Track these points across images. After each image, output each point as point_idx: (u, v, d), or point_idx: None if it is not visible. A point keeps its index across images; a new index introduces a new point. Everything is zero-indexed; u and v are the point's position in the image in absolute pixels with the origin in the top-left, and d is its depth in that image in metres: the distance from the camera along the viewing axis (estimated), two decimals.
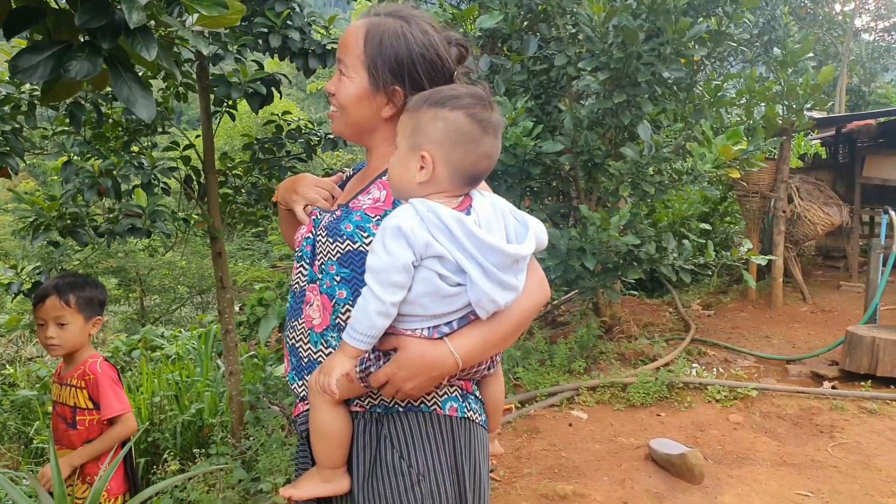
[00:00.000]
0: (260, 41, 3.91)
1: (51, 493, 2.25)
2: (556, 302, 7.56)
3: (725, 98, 5.62)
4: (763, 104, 6.64)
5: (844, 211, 8.03)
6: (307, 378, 1.47)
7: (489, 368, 1.50)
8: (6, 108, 3.49)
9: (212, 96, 4.28)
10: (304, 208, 1.59)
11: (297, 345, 1.51)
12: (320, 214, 1.53)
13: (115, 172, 3.83)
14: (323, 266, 1.46)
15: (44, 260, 4.39)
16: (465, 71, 1.58)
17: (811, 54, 6.73)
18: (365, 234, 1.41)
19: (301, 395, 1.51)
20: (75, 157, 4.01)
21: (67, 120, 3.80)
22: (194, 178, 4.59)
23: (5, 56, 3.45)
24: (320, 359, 1.45)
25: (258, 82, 4.01)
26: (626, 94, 4.72)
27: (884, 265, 5.99)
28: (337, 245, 1.43)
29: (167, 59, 1.53)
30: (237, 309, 5.33)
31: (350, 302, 1.42)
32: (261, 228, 6.72)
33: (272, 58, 4.21)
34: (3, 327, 7.79)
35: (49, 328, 2.52)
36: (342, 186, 1.68)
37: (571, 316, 7.17)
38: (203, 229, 4.65)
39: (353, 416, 1.43)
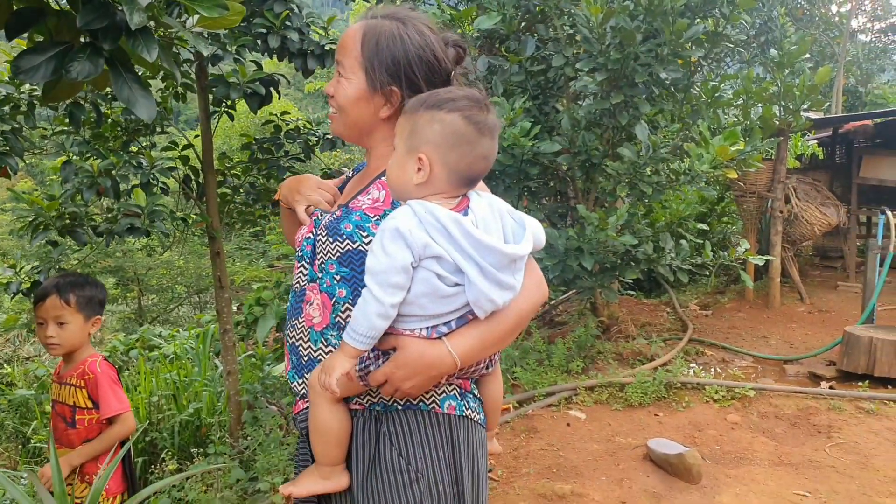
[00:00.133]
0: (259, 42, 3.92)
1: (51, 493, 2.26)
2: (553, 302, 7.57)
3: (722, 99, 5.64)
4: (760, 105, 6.67)
5: (841, 211, 8.04)
6: (307, 376, 1.48)
7: (488, 367, 1.52)
8: (6, 108, 3.49)
9: (210, 96, 4.29)
10: (305, 209, 1.60)
11: (297, 343, 1.52)
12: (321, 215, 1.55)
13: (113, 172, 3.84)
14: (323, 265, 1.47)
15: (42, 259, 4.39)
16: (463, 72, 1.59)
17: (808, 55, 6.74)
18: (364, 234, 1.42)
19: (301, 393, 1.52)
20: (74, 157, 4.02)
21: (67, 120, 3.80)
22: (193, 177, 4.59)
23: (5, 56, 3.46)
24: (320, 357, 1.46)
25: (257, 82, 4.02)
26: (623, 95, 4.73)
27: (881, 265, 6.01)
28: (337, 244, 1.45)
29: (168, 60, 1.54)
30: (235, 308, 5.33)
31: (350, 301, 1.43)
32: (259, 228, 6.72)
33: (271, 58, 4.22)
34: (1, 326, 7.79)
35: (49, 327, 2.52)
36: (342, 187, 1.69)
37: (569, 316, 7.18)
38: (201, 229, 4.66)
39: (352, 414, 1.44)
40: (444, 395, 1.45)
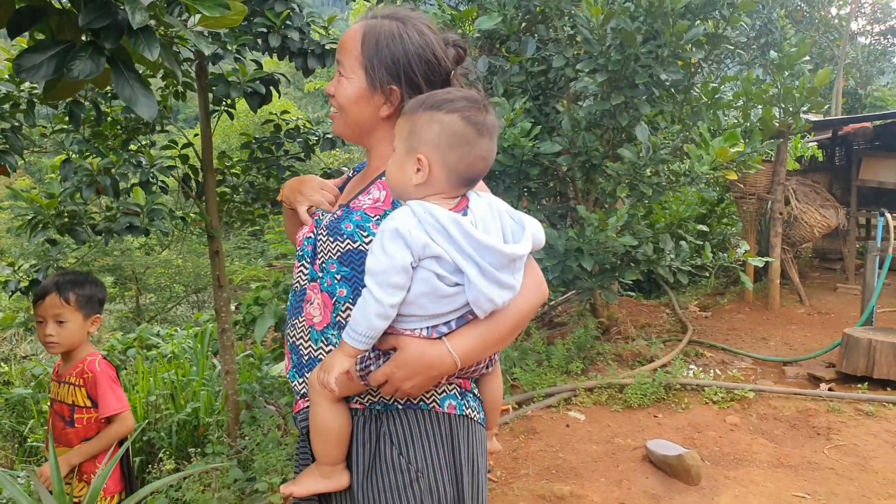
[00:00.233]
0: (259, 41, 3.92)
1: (50, 492, 2.26)
2: (553, 303, 7.57)
3: (722, 100, 5.64)
4: (760, 107, 6.66)
5: (841, 213, 8.05)
6: (307, 375, 1.48)
7: (488, 367, 1.52)
8: (6, 106, 3.49)
9: (211, 95, 4.29)
10: (307, 209, 1.61)
11: (297, 342, 1.52)
12: (322, 214, 1.55)
13: (113, 170, 3.84)
14: (324, 265, 1.47)
15: (40, 258, 4.39)
16: (463, 72, 1.60)
17: (807, 57, 6.74)
18: (365, 234, 1.43)
19: (301, 391, 1.53)
20: (74, 155, 4.02)
21: (66, 118, 3.80)
22: (192, 176, 4.59)
23: (5, 55, 3.45)
24: (320, 356, 1.47)
25: (257, 82, 4.02)
26: (623, 96, 4.74)
27: (880, 267, 6.02)
28: (337, 244, 1.45)
29: (169, 59, 1.54)
30: (233, 308, 5.33)
31: (350, 300, 1.43)
32: (257, 227, 6.72)
33: (271, 57, 4.22)
34: None
35: (48, 326, 2.52)
36: (342, 186, 1.70)
37: (569, 317, 7.18)
38: (200, 228, 4.66)
39: (352, 413, 1.45)
40: (445, 394, 1.45)
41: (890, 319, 6.82)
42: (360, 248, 1.42)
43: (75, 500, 2.48)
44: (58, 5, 1.50)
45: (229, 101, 4.41)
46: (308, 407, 1.48)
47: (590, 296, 6.17)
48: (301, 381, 1.51)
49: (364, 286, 1.31)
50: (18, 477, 3.75)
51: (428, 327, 1.35)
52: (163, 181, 4.31)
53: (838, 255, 9.28)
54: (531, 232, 1.39)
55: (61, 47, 1.43)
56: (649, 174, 4.92)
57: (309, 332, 1.49)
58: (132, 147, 4.28)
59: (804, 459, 3.87)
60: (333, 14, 4.37)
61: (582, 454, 3.97)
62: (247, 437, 4.26)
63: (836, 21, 16.40)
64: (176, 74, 1.66)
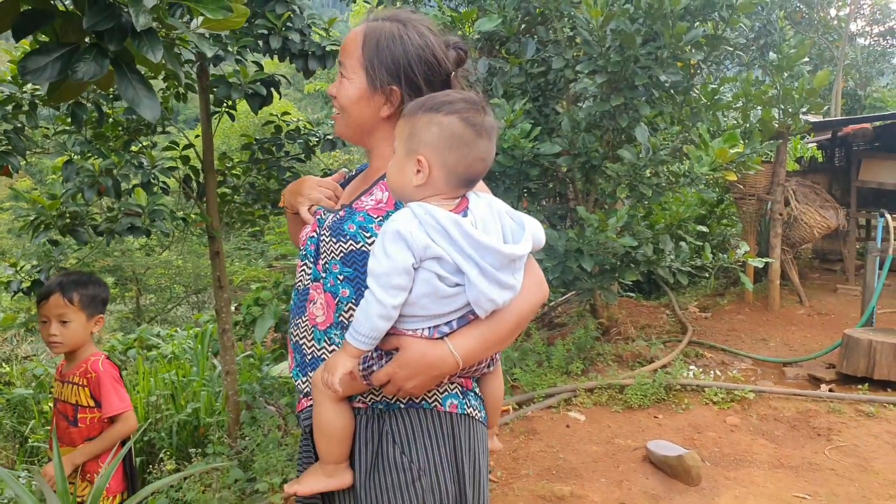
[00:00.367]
0: (260, 42, 3.93)
1: (53, 491, 2.27)
2: (553, 303, 7.58)
3: (722, 101, 5.65)
4: (759, 108, 6.68)
5: (841, 214, 8.05)
6: (311, 374, 1.49)
7: (489, 366, 1.53)
8: (8, 108, 3.50)
9: (212, 97, 4.30)
10: (308, 208, 1.62)
11: (300, 342, 1.53)
12: (324, 214, 1.56)
13: (115, 171, 3.85)
14: (326, 265, 1.49)
15: (42, 258, 4.40)
16: (463, 74, 1.61)
17: (807, 58, 6.75)
18: (367, 235, 1.44)
19: (305, 390, 1.54)
20: (76, 157, 4.03)
21: (69, 119, 3.81)
22: (193, 177, 4.60)
23: (7, 56, 3.47)
24: (324, 356, 1.48)
25: (258, 83, 4.03)
26: (623, 97, 4.75)
27: (880, 268, 6.02)
28: (340, 245, 1.46)
29: (172, 61, 1.55)
30: (234, 308, 5.34)
31: (353, 300, 1.45)
32: (258, 228, 6.73)
33: (272, 59, 4.23)
34: None
35: (52, 325, 2.53)
36: (344, 186, 1.71)
37: (569, 317, 7.19)
38: (201, 228, 4.67)
39: (355, 413, 1.46)
40: (446, 393, 1.46)
41: (890, 320, 6.83)
42: (363, 248, 1.43)
43: (78, 499, 2.49)
44: (62, 8, 1.51)
45: (230, 103, 4.42)
46: (311, 406, 1.49)
47: (590, 296, 6.17)
48: (304, 379, 1.52)
49: (366, 287, 1.32)
50: (20, 477, 3.76)
51: (430, 327, 1.36)
52: (164, 182, 4.32)
53: (838, 255, 9.29)
54: (531, 232, 1.41)
55: (66, 49, 1.44)
56: (649, 175, 4.93)
57: (312, 332, 1.50)
58: (134, 148, 4.28)
59: (804, 460, 3.88)
60: (334, 16, 4.39)
61: (582, 455, 3.97)
62: (247, 438, 4.27)
63: (836, 22, 16.43)
64: (178, 76, 1.67)
